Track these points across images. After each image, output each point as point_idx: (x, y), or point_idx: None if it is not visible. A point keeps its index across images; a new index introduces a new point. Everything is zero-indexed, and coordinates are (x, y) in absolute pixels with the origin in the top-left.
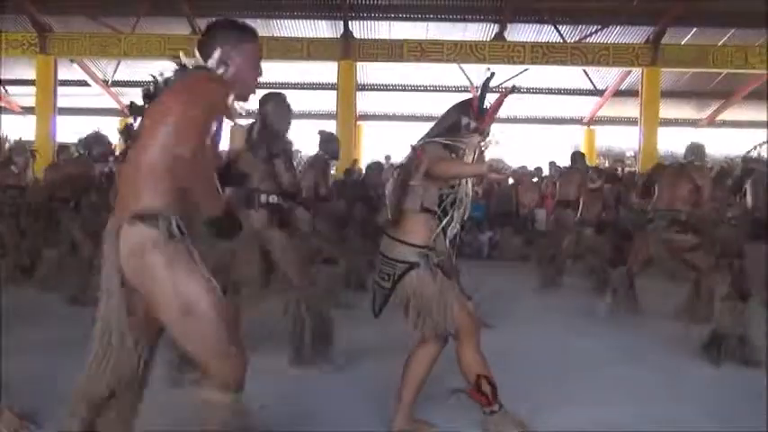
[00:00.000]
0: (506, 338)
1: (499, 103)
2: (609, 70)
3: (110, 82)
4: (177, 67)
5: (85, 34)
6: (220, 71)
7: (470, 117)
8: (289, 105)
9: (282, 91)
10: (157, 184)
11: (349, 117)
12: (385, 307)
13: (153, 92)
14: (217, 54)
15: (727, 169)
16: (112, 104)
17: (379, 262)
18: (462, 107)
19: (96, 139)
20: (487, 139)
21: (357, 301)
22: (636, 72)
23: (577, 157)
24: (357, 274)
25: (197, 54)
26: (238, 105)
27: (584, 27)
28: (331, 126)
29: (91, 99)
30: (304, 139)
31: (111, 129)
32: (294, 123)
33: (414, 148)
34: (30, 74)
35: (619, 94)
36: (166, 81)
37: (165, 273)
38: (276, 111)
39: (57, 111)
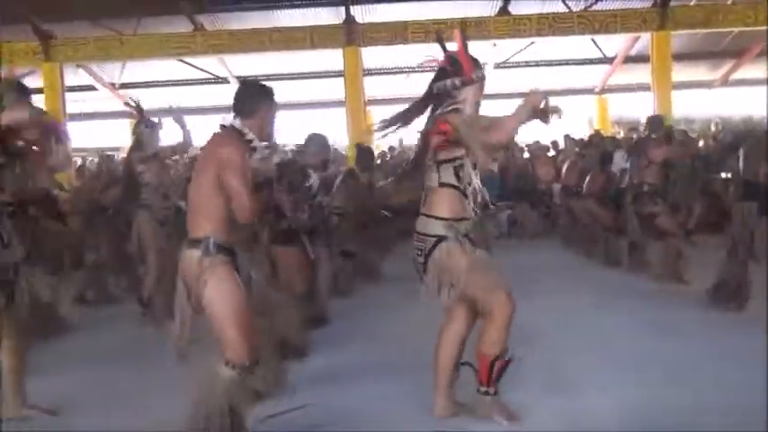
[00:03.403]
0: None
1: (463, 44)
2: (617, 37)
3: (117, 85)
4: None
5: (88, 39)
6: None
7: (450, 76)
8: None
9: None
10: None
11: (357, 103)
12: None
13: None
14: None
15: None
16: (121, 107)
17: (414, 239)
18: (435, 78)
19: None
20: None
21: None
22: (645, 37)
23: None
24: None
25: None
26: None
27: None
28: (340, 113)
29: (100, 103)
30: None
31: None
32: (301, 113)
33: (434, 123)
34: (37, 83)
35: (629, 60)
36: None
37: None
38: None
39: (67, 117)
